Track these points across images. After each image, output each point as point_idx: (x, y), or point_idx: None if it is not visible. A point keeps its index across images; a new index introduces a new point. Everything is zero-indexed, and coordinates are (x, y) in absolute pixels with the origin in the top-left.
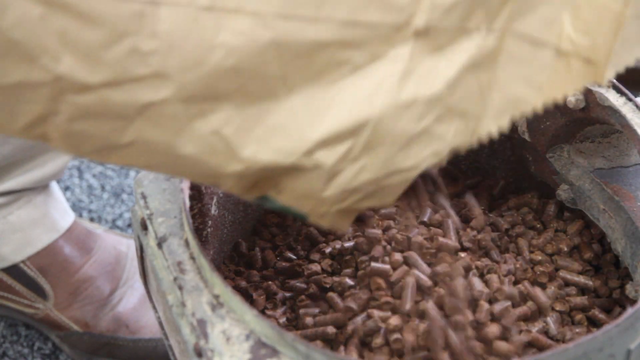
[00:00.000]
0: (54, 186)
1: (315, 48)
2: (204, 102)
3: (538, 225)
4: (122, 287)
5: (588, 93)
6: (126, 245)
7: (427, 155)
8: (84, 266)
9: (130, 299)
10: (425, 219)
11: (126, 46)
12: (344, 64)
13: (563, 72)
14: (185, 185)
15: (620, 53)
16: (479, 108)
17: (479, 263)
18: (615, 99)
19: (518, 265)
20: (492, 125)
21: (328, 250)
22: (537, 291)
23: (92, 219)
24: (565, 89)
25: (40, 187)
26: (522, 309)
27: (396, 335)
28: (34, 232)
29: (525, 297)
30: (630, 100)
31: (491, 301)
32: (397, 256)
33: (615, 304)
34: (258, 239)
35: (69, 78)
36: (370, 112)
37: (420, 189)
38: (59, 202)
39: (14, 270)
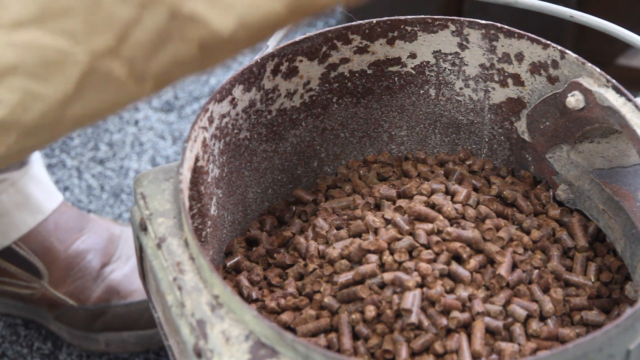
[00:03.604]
0: (38, 169)
1: None
2: None
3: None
4: (115, 262)
5: (587, 93)
6: (119, 230)
7: None
8: (75, 242)
9: (122, 269)
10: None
11: None
12: None
13: None
14: (185, 186)
15: None
16: None
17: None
18: (614, 99)
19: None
20: None
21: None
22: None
23: None
24: None
25: (23, 169)
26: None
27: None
28: (19, 216)
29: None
30: (629, 100)
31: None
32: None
33: (614, 304)
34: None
35: None
36: None
37: None
38: (43, 184)
39: (6, 253)
